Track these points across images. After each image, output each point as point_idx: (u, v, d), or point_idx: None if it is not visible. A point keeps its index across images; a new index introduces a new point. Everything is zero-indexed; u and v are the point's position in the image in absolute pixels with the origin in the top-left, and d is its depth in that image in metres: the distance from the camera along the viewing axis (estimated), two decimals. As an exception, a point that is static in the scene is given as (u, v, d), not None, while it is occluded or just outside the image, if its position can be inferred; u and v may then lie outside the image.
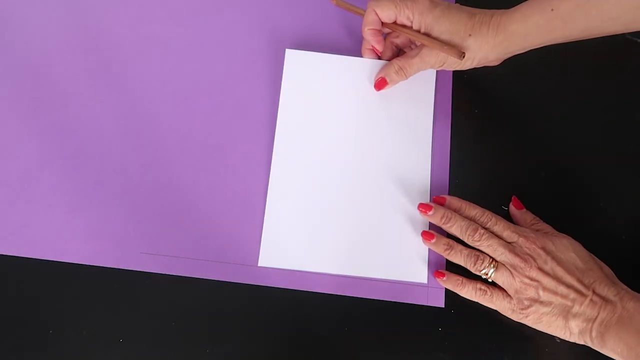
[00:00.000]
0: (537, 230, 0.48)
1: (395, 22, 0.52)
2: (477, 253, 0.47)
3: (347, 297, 0.49)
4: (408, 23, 0.51)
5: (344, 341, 0.47)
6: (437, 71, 0.55)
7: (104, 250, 0.49)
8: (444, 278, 0.48)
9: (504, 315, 0.47)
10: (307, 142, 0.53)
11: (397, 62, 0.52)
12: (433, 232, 0.50)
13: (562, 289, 0.44)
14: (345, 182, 0.52)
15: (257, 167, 0.52)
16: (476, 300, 0.48)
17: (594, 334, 0.43)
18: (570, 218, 0.51)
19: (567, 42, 0.48)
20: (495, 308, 0.47)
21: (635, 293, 0.44)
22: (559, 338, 0.46)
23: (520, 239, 0.46)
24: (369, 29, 0.53)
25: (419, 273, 0.49)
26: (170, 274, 0.49)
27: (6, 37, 0.57)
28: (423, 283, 0.49)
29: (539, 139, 0.54)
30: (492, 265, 0.47)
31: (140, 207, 0.51)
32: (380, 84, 0.53)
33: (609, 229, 0.51)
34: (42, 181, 0.52)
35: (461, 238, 0.48)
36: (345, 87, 0.55)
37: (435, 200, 0.51)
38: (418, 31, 0.51)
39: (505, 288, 0.47)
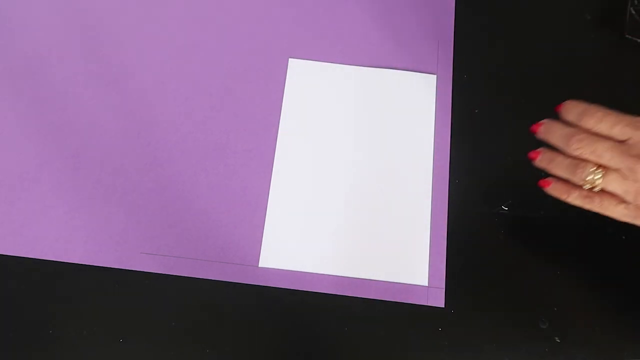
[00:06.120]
0: None
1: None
2: (578, 161, 0.41)
3: (347, 297, 0.49)
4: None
5: (344, 341, 0.47)
6: (436, 75, 0.55)
7: (104, 250, 0.49)
8: (550, 186, 0.44)
9: (504, 315, 0.47)
10: (309, 147, 0.53)
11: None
12: (541, 149, 0.45)
13: None
14: (346, 184, 0.52)
15: (257, 167, 0.52)
16: (587, 209, 0.42)
17: None
18: (571, 218, 0.51)
19: (565, 45, 0.46)
20: (609, 215, 0.41)
21: None
22: (558, 338, 0.45)
23: (636, 133, 0.39)
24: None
25: (419, 275, 0.49)
26: (170, 274, 0.49)
27: (6, 37, 0.57)
28: (423, 285, 0.49)
29: (539, 139, 0.54)
30: (598, 172, 0.40)
31: (140, 207, 0.51)
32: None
33: (609, 229, 0.51)
34: (42, 181, 0.52)
35: (563, 150, 0.42)
36: (347, 95, 0.55)
37: (556, 109, 0.44)
38: None
39: (619, 194, 0.40)
